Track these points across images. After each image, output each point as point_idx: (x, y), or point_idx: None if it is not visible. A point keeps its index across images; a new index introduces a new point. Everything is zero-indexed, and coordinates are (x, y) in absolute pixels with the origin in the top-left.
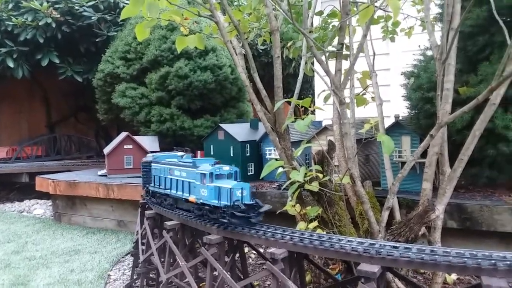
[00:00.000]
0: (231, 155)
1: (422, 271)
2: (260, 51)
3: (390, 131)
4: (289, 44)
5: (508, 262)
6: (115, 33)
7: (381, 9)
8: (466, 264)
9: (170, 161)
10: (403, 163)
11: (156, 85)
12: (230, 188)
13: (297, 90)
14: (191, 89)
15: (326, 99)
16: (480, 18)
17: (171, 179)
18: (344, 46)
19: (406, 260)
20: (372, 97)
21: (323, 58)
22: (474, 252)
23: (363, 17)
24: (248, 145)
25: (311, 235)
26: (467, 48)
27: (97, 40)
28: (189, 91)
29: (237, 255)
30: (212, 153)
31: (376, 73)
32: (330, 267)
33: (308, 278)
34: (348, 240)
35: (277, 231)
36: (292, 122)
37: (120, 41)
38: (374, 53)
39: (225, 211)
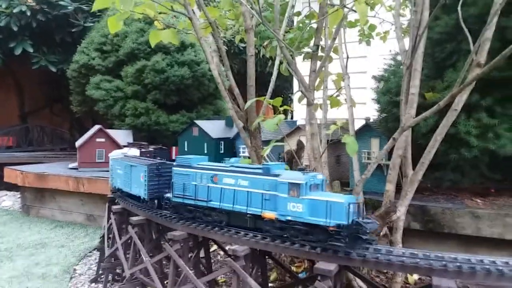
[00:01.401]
0: (205, 151)
1: (385, 271)
2: (242, 48)
3: (360, 133)
4: (265, 43)
5: (458, 264)
6: (92, 24)
7: (354, 11)
8: (418, 264)
9: (213, 166)
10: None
11: (132, 79)
12: (348, 203)
13: (270, 90)
14: (168, 84)
15: (300, 99)
16: (448, 26)
17: (218, 188)
18: (320, 47)
19: (361, 259)
20: (345, 99)
21: (300, 58)
22: (428, 253)
23: (334, 19)
24: (223, 142)
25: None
26: (435, 55)
27: (73, 30)
28: (166, 86)
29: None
30: (186, 149)
31: (348, 75)
32: (295, 264)
33: (274, 275)
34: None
35: (241, 229)
36: (262, 121)
37: (97, 33)
38: (348, 56)
39: (340, 232)
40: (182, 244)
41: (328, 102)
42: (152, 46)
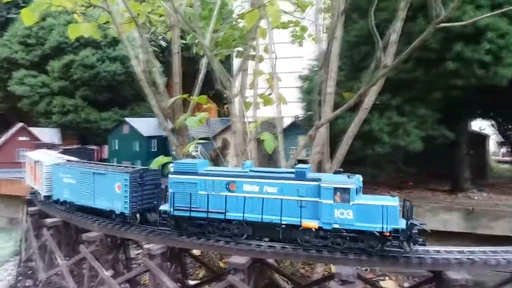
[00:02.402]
0: (136, 150)
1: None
2: (182, 45)
3: (288, 130)
4: (197, 41)
5: (358, 253)
6: (16, 16)
7: (288, 14)
8: (323, 254)
9: (228, 172)
10: (299, 160)
11: (59, 74)
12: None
13: (198, 87)
14: (98, 79)
15: (234, 97)
16: (363, 29)
17: (238, 198)
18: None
19: (272, 252)
20: (280, 98)
21: (235, 57)
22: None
23: (250, 20)
24: (155, 140)
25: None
26: (353, 57)
27: None
28: (96, 82)
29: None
30: (116, 148)
31: (277, 74)
32: (223, 260)
33: (202, 273)
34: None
35: (157, 228)
36: (184, 119)
37: (20, 24)
38: (276, 56)
39: (399, 237)
40: (99, 245)
41: (261, 100)
42: (72, 39)
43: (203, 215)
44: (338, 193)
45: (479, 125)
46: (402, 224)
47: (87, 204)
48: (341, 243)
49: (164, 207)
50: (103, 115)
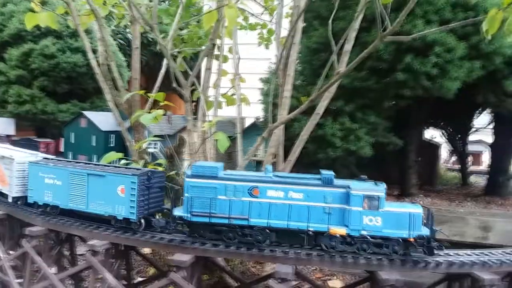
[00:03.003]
0: (93, 144)
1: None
2: (150, 39)
3: (248, 131)
4: (161, 36)
5: (298, 251)
6: None
7: (255, 16)
8: (264, 254)
9: (250, 176)
10: (257, 161)
11: (16, 62)
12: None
13: (158, 84)
14: (58, 70)
15: (195, 95)
16: (323, 37)
17: (262, 203)
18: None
19: (215, 250)
20: (244, 98)
21: (200, 56)
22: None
23: (208, 20)
24: (113, 135)
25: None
26: (312, 62)
27: None
28: (56, 73)
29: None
30: (72, 141)
31: (240, 75)
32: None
33: (152, 271)
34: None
35: (103, 224)
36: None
37: None
38: (239, 57)
39: (423, 243)
40: (43, 240)
41: (224, 100)
42: (28, 28)
43: (225, 221)
44: (368, 200)
45: (432, 134)
46: (425, 231)
47: (77, 209)
48: (366, 249)
49: (178, 212)
50: (61, 107)
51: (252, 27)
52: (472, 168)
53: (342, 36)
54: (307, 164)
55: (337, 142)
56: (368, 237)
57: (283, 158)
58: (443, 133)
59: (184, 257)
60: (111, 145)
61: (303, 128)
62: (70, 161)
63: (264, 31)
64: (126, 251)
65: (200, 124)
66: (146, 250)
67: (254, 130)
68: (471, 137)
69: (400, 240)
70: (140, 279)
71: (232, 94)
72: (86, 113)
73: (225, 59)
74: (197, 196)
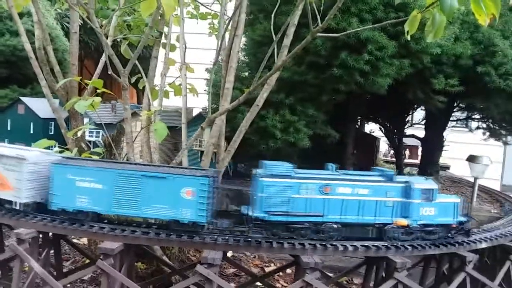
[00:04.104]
0: (31, 132)
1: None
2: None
3: (193, 121)
4: (104, 22)
5: (226, 238)
6: None
7: (204, 6)
8: (194, 240)
9: (320, 174)
10: (201, 152)
11: None
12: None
13: (98, 71)
14: None
15: (140, 84)
16: (267, 30)
17: (335, 200)
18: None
19: (146, 238)
20: (192, 89)
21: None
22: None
23: (146, 8)
24: (53, 123)
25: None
26: (257, 55)
27: None
28: None
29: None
30: (9, 128)
31: (185, 65)
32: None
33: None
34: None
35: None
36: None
37: None
38: (186, 46)
39: (462, 228)
40: (31, 243)
41: (172, 89)
42: None
43: (301, 218)
44: (425, 193)
45: (371, 128)
46: (463, 217)
47: (127, 214)
48: (420, 237)
49: (254, 212)
50: None
51: (203, 17)
52: (408, 160)
53: (284, 31)
54: (253, 155)
55: (278, 134)
56: (427, 226)
57: (225, 149)
58: (380, 128)
59: (112, 245)
60: (51, 133)
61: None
62: (112, 161)
63: (215, 21)
64: (55, 240)
65: (130, 113)
66: (83, 240)
67: (200, 120)
68: (408, 131)
69: (446, 226)
70: (71, 267)
71: (179, 84)
72: (24, 99)
73: (173, 48)
74: (274, 195)
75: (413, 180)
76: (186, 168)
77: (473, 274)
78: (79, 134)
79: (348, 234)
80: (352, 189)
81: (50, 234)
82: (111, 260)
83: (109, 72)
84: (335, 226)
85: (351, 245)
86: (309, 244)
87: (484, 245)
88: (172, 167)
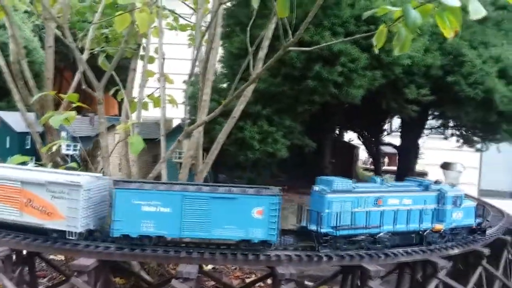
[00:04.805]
0: (7, 146)
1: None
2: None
3: (173, 133)
4: (81, 35)
5: (201, 251)
6: None
7: (183, 17)
8: (168, 255)
9: (372, 188)
10: (181, 164)
11: None
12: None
13: (74, 84)
14: None
15: (119, 96)
16: (243, 43)
17: (389, 211)
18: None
19: (120, 253)
20: (171, 100)
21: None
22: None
23: (120, 24)
24: (29, 137)
25: None
26: (234, 67)
27: None
28: None
29: None
30: None
31: (164, 76)
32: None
33: None
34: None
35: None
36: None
37: None
38: (164, 58)
39: (480, 228)
40: (4, 261)
41: (151, 101)
42: None
43: (361, 231)
44: (455, 200)
45: (350, 136)
46: (479, 219)
47: (196, 236)
48: (450, 239)
49: (321, 228)
50: None
51: (183, 28)
52: (387, 167)
53: (259, 44)
54: (232, 166)
55: (256, 145)
56: (456, 229)
57: (202, 160)
58: (359, 136)
59: (87, 261)
60: (27, 147)
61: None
62: (174, 183)
63: (194, 32)
64: (30, 258)
65: (105, 127)
66: (61, 257)
67: (179, 132)
68: (387, 140)
69: (468, 227)
70: (48, 284)
71: (159, 96)
72: (0, 112)
73: (151, 59)
74: (339, 210)
75: (445, 188)
76: (250, 187)
77: (446, 280)
78: (54, 149)
79: (397, 242)
80: (400, 200)
81: (24, 251)
82: (86, 277)
83: (83, 87)
84: (388, 236)
85: (326, 256)
86: (285, 255)
87: (456, 251)
88: (239, 187)
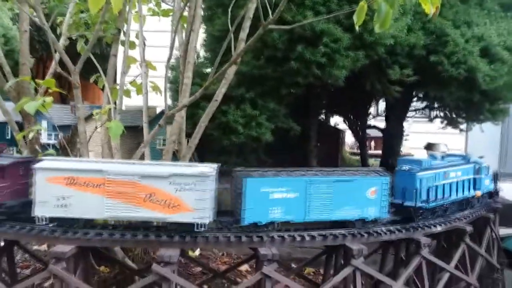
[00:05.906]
0: None
1: None
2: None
3: (156, 119)
4: (59, 20)
5: (183, 235)
6: None
7: (166, 3)
8: (149, 239)
9: (440, 164)
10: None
11: None
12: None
13: (51, 70)
14: None
15: (100, 83)
16: (225, 25)
17: (454, 183)
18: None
19: (99, 239)
20: (154, 87)
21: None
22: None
23: (94, 5)
24: (9, 127)
25: None
26: (216, 50)
27: None
28: None
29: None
30: None
31: (145, 63)
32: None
33: None
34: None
35: None
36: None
37: None
38: (145, 44)
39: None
40: None
41: (134, 88)
42: None
43: (441, 202)
44: (486, 170)
45: (336, 120)
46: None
47: (319, 219)
48: (482, 202)
49: (416, 204)
50: None
51: (165, 13)
52: (374, 151)
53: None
54: (218, 150)
55: (240, 129)
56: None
57: (186, 145)
58: (344, 120)
59: (64, 248)
60: (7, 137)
61: None
62: (296, 170)
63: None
64: (8, 247)
65: (82, 112)
66: (44, 246)
67: (161, 118)
68: (373, 123)
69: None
70: (27, 273)
71: (141, 83)
72: None
73: (132, 45)
74: (428, 186)
75: (479, 161)
76: (363, 170)
77: (428, 257)
78: (30, 136)
79: (456, 208)
80: (456, 173)
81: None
82: (64, 263)
83: (58, 70)
84: (450, 204)
85: (308, 235)
86: (268, 236)
87: (439, 228)
88: (350, 170)
